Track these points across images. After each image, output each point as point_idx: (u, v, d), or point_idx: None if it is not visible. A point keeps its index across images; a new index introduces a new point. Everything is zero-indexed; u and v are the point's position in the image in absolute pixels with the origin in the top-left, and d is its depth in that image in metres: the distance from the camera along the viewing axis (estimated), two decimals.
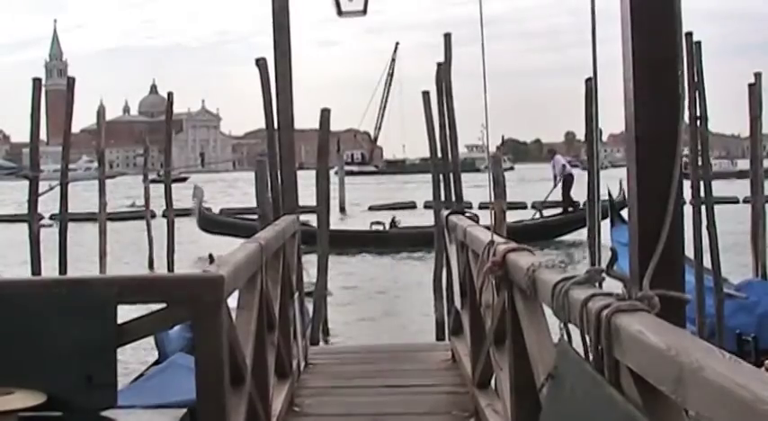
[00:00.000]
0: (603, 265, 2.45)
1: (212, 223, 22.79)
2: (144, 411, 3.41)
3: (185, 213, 32.52)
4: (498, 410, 4.39)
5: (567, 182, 22.16)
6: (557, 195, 22.83)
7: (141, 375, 7.12)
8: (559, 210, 23.07)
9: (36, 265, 10.42)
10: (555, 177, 22.49)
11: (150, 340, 7.65)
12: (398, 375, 6.13)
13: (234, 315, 3.62)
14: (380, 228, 22.59)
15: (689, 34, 8.95)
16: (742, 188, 18.29)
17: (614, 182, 14.50)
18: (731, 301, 9.10)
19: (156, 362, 8.12)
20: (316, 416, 5.23)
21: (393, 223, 22.71)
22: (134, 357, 8.96)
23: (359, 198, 42.02)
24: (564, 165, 22.65)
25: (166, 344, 7.66)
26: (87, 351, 2.88)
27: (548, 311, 2.80)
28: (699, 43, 9.52)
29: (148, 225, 18.85)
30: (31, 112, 10.59)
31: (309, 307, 9.13)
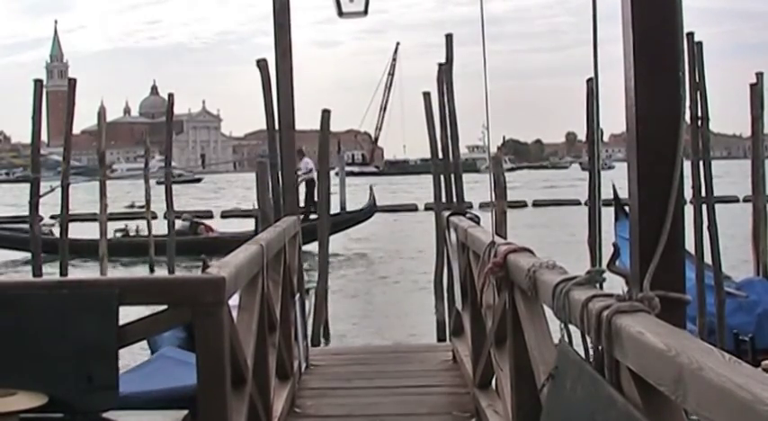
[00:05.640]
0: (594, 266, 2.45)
1: None
2: (145, 412, 3.41)
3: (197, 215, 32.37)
4: (499, 411, 4.40)
5: (310, 185, 21.62)
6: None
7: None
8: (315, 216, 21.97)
9: (37, 266, 10.44)
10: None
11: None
12: (399, 376, 6.13)
13: (235, 316, 3.62)
14: (120, 235, 21.41)
15: (690, 34, 8.96)
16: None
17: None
18: (731, 300, 9.12)
19: None
20: (316, 417, 5.23)
21: (129, 231, 21.83)
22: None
23: (360, 198, 42.03)
24: (311, 169, 21.96)
25: (159, 344, 7.64)
26: (89, 352, 2.88)
27: (548, 312, 2.81)
28: (700, 43, 9.54)
29: (149, 226, 18.89)
30: (33, 114, 10.62)
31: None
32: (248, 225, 21.34)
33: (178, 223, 22.20)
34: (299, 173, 21.66)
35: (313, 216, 21.00)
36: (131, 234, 21.61)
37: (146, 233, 19.58)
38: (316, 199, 20.85)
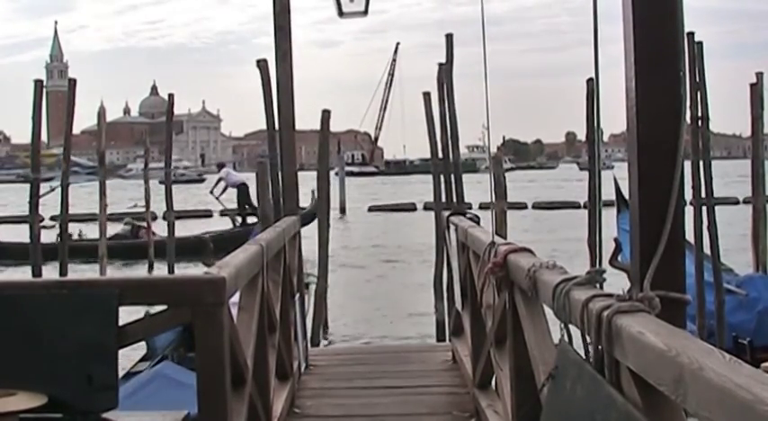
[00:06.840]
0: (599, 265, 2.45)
1: None
2: (145, 413, 3.40)
3: (191, 215, 32.37)
4: (499, 411, 4.39)
5: (242, 191, 21.52)
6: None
7: (127, 374, 7.05)
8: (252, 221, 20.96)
9: (37, 267, 10.43)
10: (225, 187, 21.75)
11: None
12: (399, 376, 6.13)
13: (235, 316, 3.62)
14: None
15: (690, 34, 8.96)
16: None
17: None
18: (731, 297, 9.12)
19: (144, 357, 8.06)
20: (316, 418, 5.23)
21: (72, 235, 21.67)
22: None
23: (359, 199, 42.07)
24: (234, 181, 21.69)
25: (155, 339, 7.60)
26: (88, 352, 2.88)
27: (548, 312, 2.80)
28: (700, 43, 9.54)
29: (149, 227, 18.89)
30: (33, 114, 10.60)
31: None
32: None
33: (119, 227, 22.17)
34: (227, 184, 21.79)
35: (252, 219, 21.12)
36: (74, 238, 21.46)
37: (88, 237, 19.37)
38: (255, 203, 20.87)
